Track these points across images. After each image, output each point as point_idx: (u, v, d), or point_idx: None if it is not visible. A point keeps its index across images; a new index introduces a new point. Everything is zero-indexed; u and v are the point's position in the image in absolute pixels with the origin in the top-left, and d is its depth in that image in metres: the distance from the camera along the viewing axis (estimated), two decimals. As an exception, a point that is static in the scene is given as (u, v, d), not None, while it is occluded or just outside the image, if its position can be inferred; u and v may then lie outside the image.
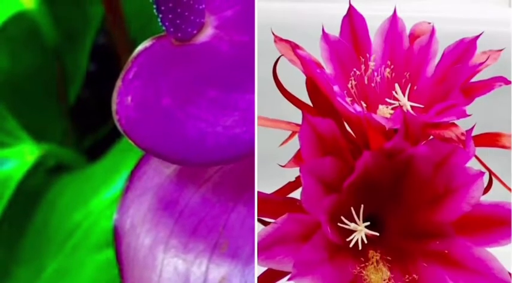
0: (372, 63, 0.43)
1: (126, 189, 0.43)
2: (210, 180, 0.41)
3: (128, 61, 0.39)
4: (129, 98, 0.38)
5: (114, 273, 0.46)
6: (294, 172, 0.41)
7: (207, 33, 0.38)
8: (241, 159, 0.36)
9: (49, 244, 0.64)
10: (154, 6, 0.38)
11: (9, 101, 0.71)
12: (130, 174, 0.43)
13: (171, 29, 0.38)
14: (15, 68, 0.74)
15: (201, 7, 0.38)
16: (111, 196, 0.63)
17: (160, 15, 0.38)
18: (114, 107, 0.38)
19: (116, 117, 0.38)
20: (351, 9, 0.44)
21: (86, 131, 0.78)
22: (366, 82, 0.43)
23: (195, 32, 0.38)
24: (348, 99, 0.41)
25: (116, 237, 0.42)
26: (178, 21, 0.38)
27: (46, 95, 0.75)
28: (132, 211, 0.42)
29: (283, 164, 0.43)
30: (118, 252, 0.42)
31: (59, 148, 0.72)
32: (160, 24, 0.38)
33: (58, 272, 0.62)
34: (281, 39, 0.44)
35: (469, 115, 0.39)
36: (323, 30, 0.43)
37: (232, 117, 0.36)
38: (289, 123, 0.45)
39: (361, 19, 0.44)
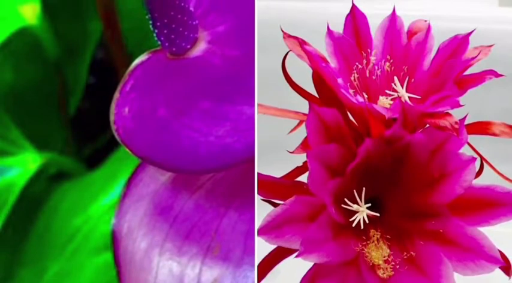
0: (373, 58, 0.44)
1: (124, 196, 0.43)
2: (203, 187, 0.41)
3: (125, 74, 0.39)
4: (127, 109, 0.37)
5: (112, 275, 0.46)
6: (301, 158, 0.41)
7: (200, 48, 0.38)
8: (232, 167, 0.36)
9: (51, 247, 0.64)
10: (150, 22, 0.38)
11: (12, 112, 0.71)
12: (127, 181, 0.43)
13: (166, 44, 0.38)
14: (18, 81, 0.73)
15: (194, 23, 0.38)
16: (110, 202, 0.62)
17: (156, 31, 0.38)
18: (112, 117, 0.38)
19: (113, 127, 0.38)
20: (354, 8, 0.45)
21: (85, 140, 0.78)
22: (368, 75, 0.44)
23: (188, 46, 0.38)
24: (351, 91, 0.41)
25: (114, 241, 0.42)
26: (173, 36, 0.37)
27: (48, 106, 0.75)
28: (129, 217, 0.42)
29: (291, 151, 0.44)
30: (116, 255, 0.42)
31: (59, 157, 0.72)
32: (156, 39, 0.38)
33: (59, 274, 0.62)
34: (289, 36, 0.44)
35: (462, 105, 0.40)
36: (328, 27, 0.44)
37: (223, 127, 0.36)
38: (297, 112, 0.45)
39: (363, 17, 0.45)
